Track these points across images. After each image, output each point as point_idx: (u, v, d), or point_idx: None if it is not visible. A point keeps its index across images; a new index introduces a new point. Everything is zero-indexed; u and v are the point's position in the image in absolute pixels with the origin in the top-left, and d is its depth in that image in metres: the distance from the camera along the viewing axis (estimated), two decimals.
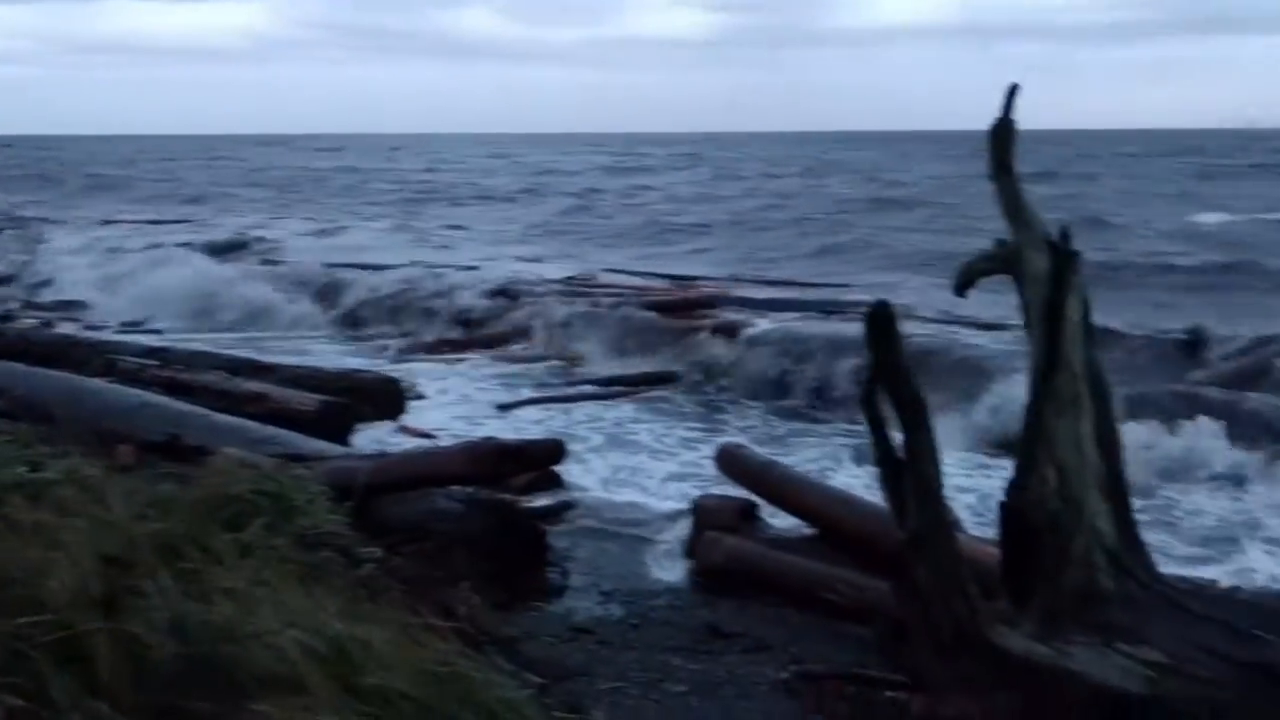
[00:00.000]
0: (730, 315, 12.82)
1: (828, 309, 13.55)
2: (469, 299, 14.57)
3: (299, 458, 5.94)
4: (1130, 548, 4.10)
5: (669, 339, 12.07)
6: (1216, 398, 8.79)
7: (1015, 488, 4.03)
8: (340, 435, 7.86)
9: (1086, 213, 22.14)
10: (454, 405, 10.53)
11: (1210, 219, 25.16)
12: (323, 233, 25.57)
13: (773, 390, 10.90)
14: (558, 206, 32.28)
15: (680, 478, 7.93)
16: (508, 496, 6.37)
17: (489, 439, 6.60)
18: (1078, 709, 3.77)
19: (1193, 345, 10.20)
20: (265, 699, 2.36)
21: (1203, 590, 4.71)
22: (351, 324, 14.71)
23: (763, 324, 12.23)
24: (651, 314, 12.82)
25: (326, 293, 15.59)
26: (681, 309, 13.07)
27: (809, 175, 45.15)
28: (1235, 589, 5.01)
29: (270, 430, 7.14)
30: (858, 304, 13.22)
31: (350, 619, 3.24)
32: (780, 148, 79.82)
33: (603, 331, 12.52)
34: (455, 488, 6.04)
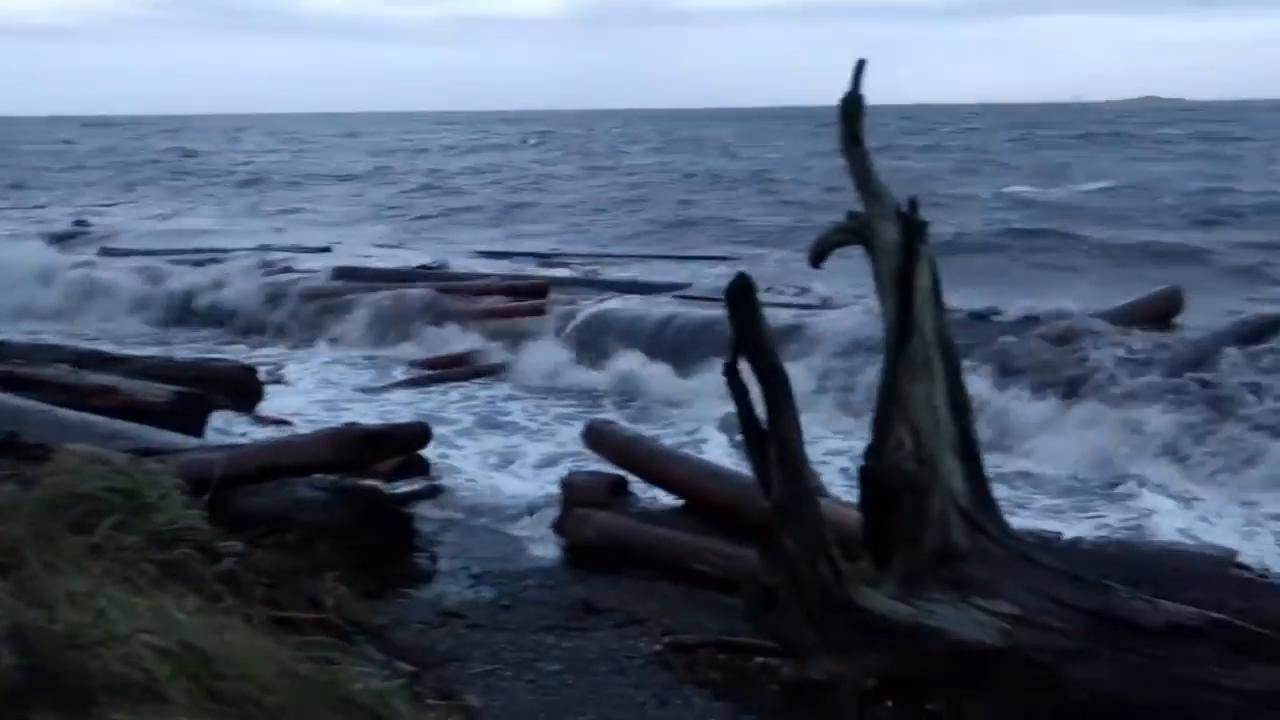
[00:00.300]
0: (564, 301, 12.36)
1: (674, 291, 13.07)
2: (235, 294, 13.74)
3: (151, 452, 5.72)
4: (983, 505, 4.26)
5: (492, 327, 11.53)
6: (1048, 358, 9.17)
7: (873, 452, 4.15)
8: (195, 427, 7.59)
9: (925, 185, 22.72)
10: (317, 390, 10.26)
11: (1038, 190, 26.03)
12: (162, 217, 24.55)
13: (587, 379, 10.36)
14: (410, 185, 31.61)
15: (554, 456, 7.81)
16: (373, 483, 6.26)
17: (351, 424, 6.47)
18: (939, 664, 3.91)
19: (983, 317, 10.56)
20: (118, 708, 2.27)
21: (1049, 543, 4.93)
22: (186, 314, 13.95)
23: (602, 306, 11.76)
24: (481, 300, 12.36)
25: (161, 281, 14.68)
26: (515, 295, 12.58)
27: (665, 152, 45.45)
28: (1079, 539, 5.25)
29: (119, 424, 6.85)
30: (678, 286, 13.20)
31: (210, 618, 3.14)
32: (637, 125, 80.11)
33: (419, 321, 12.00)
34: (318, 475, 5.91)
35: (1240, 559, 5.16)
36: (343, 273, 14.36)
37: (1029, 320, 10.00)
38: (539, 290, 12.87)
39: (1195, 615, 3.90)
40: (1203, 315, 11.05)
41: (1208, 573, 4.78)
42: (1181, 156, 35.90)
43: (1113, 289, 13.75)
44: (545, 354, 10.73)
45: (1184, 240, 17.35)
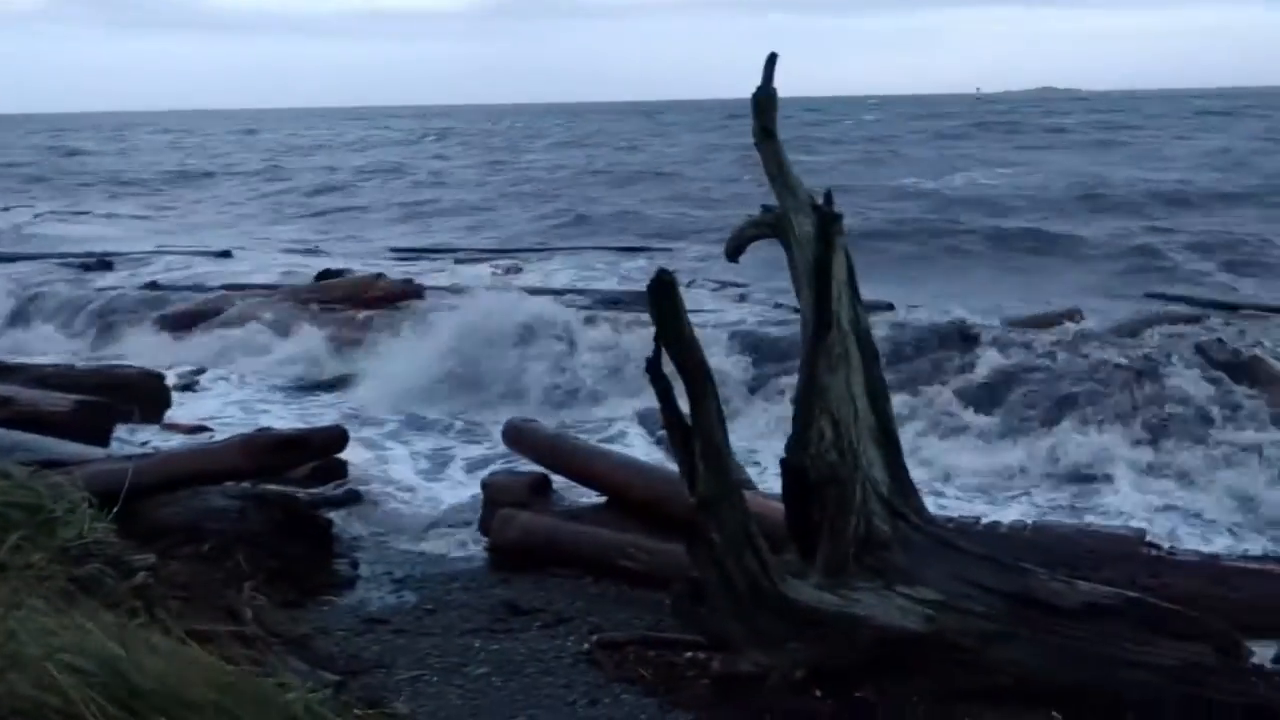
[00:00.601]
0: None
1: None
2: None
3: (55, 464, 5.52)
4: (902, 493, 4.33)
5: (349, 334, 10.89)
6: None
7: (795, 444, 4.18)
8: (101, 437, 7.35)
9: (827, 177, 22.75)
10: (234, 391, 9.91)
11: (938, 181, 26.24)
12: (39, 217, 23.53)
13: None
14: (311, 183, 30.70)
15: (481, 457, 7.63)
16: (289, 489, 6.12)
17: (265, 429, 6.32)
18: (866, 652, 3.96)
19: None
20: None
21: (968, 528, 5.02)
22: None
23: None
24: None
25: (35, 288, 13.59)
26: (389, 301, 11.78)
27: (570, 146, 45.32)
28: (995, 524, 5.36)
29: (19, 436, 6.59)
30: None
31: (126, 634, 3.04)
32: (542, 119, 79.80)
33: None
34: (232, 483, 5.77)
35: (1149, 538, 5.33)
36: (227, 288, 13.27)
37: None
38: (414, 294, 12.18)
39: (1111, 594, 4.01)
40: (1098, 299, 11.42)
41: (1119, 552, 4.93)
42: (1076, 146, 36.96)
43: (1009, 277, 14.13)
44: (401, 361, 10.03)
45: (1075, 229, 17.72)
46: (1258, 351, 8.65)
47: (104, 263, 15.76)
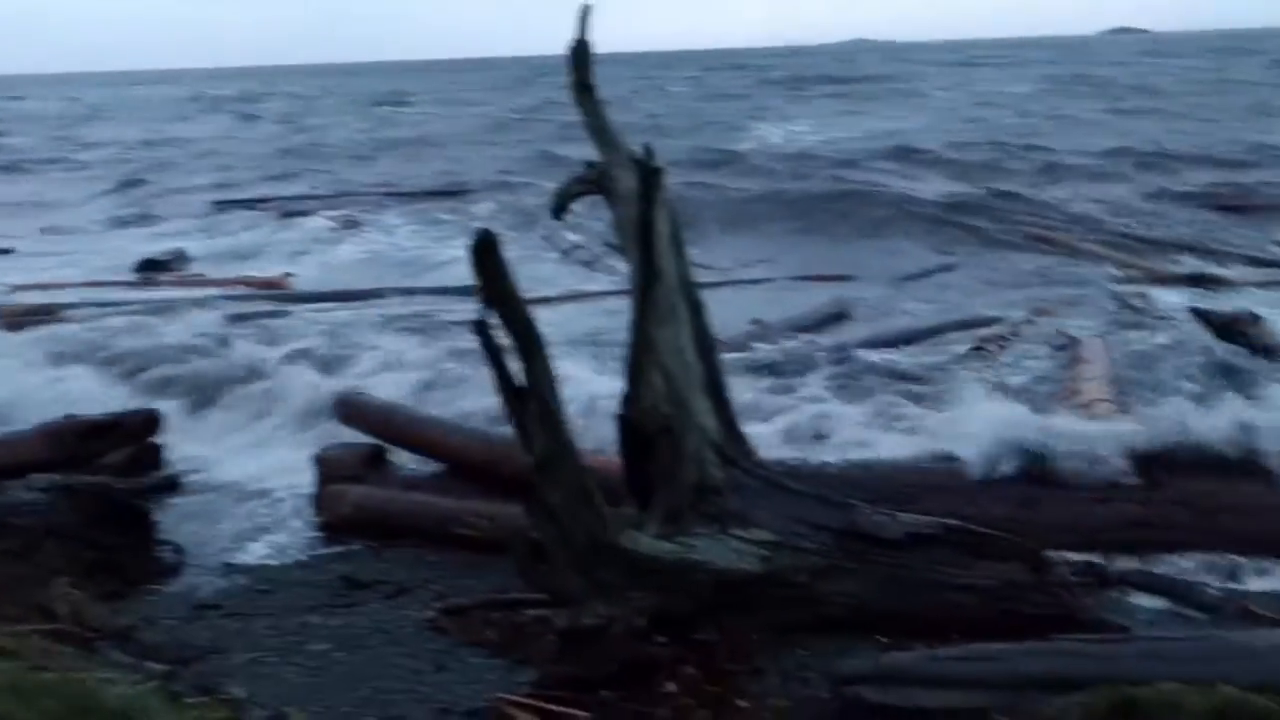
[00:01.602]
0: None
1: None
2: None
3: None
4: (733, 440, 4.44)
5: None
6: None
7: (628, 398, 4.22)
8: None
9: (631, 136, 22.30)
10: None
11: (742, 142, 26.05)
12: None
13: None
14: (103, 158, 28.74)
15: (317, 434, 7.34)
16: (102, 478, 5.81)
17: (70, 416, 5.98)
18: (706, 596, 4.06)
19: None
20: None
21: (797, 470, 5.18)
22: None
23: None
24: None
25: None
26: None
27: (373, 105, 44.21)
28: (824, 464, 5.54)
29: None
30: None
31: None
32: (348, 80, 77.53)
33: None
34: (37, 475, 5.45)
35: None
36: None
37: None
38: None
39: (932, 523, 4.21)
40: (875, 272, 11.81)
41: (939, 484, 5.17)
42: (879, 97, 38.24)
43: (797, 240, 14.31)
44: None
45: (877, 185, 17.71)
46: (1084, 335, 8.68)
47: None
